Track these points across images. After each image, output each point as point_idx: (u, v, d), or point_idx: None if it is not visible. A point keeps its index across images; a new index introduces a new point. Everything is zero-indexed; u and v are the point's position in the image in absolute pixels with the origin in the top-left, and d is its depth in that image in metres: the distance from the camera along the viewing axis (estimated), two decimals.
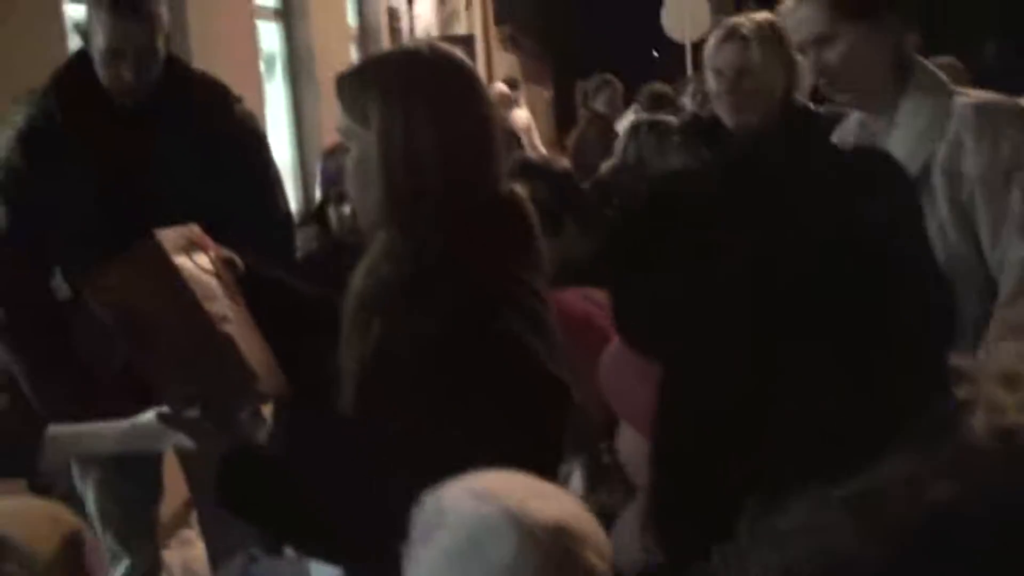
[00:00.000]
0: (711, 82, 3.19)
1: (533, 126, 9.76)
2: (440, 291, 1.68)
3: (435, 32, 12.94)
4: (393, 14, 10.57)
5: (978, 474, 0.89)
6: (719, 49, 3.14)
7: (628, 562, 1.21)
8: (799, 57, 3.10)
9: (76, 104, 2.98)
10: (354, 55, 9.45)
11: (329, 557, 1.84)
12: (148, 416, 1.95)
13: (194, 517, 4.02)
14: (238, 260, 2.02)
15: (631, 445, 1.15)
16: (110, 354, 2.70)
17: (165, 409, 1.88)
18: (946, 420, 0.94)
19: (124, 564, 3.29)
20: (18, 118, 3.01)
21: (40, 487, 3.42)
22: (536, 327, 1.71)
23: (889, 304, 0.99)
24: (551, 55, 24.73)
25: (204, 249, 1.96)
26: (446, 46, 1.84)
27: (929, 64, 2.45)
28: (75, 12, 4.29)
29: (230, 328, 1.88)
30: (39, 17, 4.24)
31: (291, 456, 1.88)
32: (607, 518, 1.30)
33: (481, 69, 13.60)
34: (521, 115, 9.30)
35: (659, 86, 8.82)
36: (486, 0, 16.98)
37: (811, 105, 3.21)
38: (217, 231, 2.03)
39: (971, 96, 2.38)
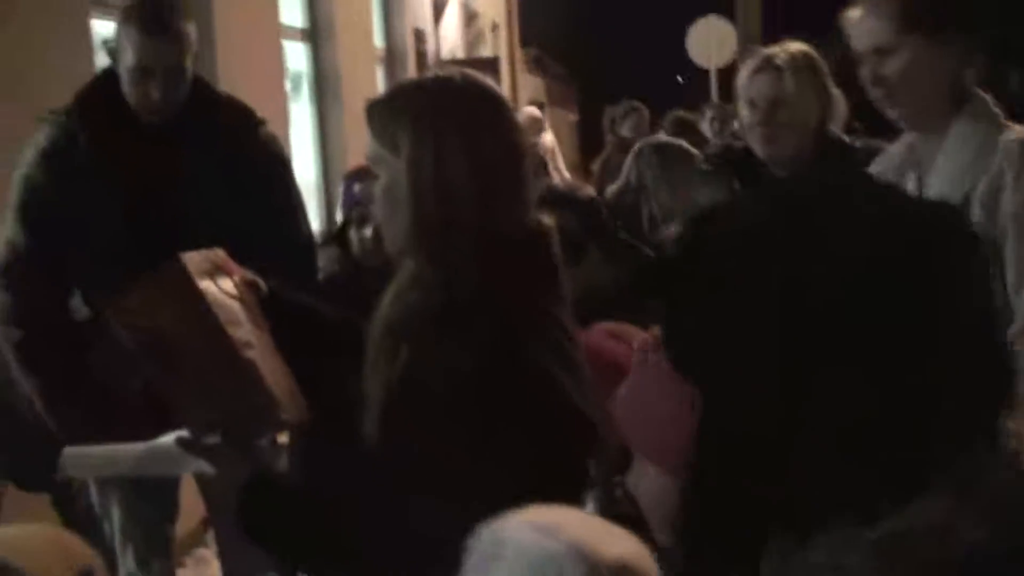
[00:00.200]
0: (744, 113, 3.14)
1: (558, 150, 9.76)
2: (474, 324, 1.67)
3: (460, 54, 12.99)
4: (419, 36, 10.61)
5: (1014, 522, 0.86)
6: (752, 79, 3.09)
7: None
8: (834, 89, 3.08)
9: (100, 123, 2.97)
10: (380, 76, 9.49)
11: None
12: (168, 440, 1.93)
13: (210, 535, 4.01)
14: (261, 283, 2.01)
15: (650, 483, 1.14)
16: (129, 376, 2.70)
17: (185, 434, 1.86)
18: (984, 463, 0.91)
19: None
20: (41, 137, 3.00)
21: (64, 500, 3.42)
22: (564, 361, 1.71)
23: (926, 335, 0.97)
24: (576, 78, 24.79)
25: (229, 273, 1.95)
26: (477, 75, 1.84)
27: (987, 96, 2.41)
28: (103, 29, 4.32)
29: (253, 354, 1.87)
30: (66, 34, 4.26)
31: (312, 483, 1.87)
32: None
33: (506, 92, 13.65)
34: (547, 138, 9.31)
35: (683, 113, 8.83)
36: (512, 23, 17.05)
37: (846, 138, 3.16)
38: (239, 253, 2.02)
39: (1017, 131, 2.34)
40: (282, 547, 1.83)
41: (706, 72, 14.51)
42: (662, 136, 5.34)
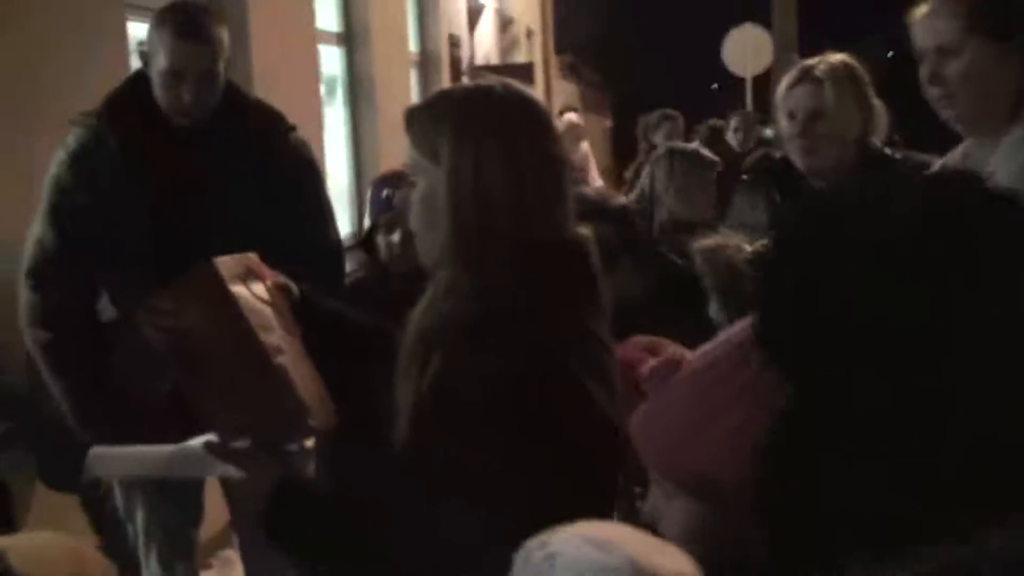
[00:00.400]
0: (783, 124, 3.10)
1: (592, 157, 9.74)
2: (509, 332, 1.66)
3: (495, 60, 13.00)
4: (454, 41, 10.62)
5: None
6: (791, 91, 3.05)
7: None
8: (875, 101, 3.03)
9: (130, 126, 2.98)
10: (414, 81, 9.50)
11: None
12: (195, 443, 1.93)
13: (236, 538, 4.02)
14: (293, 287, 2.00)
15: (674, 509, 1.13)
16: (154, 378, 2.70)
17: (213, 438, 1.86)
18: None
19: None
20: (71, 139, 3.01)
21: (92, 501, 3.44)
22: (598, 373, 1.71)
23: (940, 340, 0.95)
24: (611, 85, 24.77)
25: (261, 278, 1.95)
26: (519, 85, 1.83)
27: None
28: (139, 32, 4.34)
29: (284, 360, 1.86)
30: (102, 37, 4.28)
31: (339, 489, 1.86)
32: None
33: (540, 97, 13.64)
34: (583, 146, 9.30)
35: (719, 121, 8.79)
36: (547, 29, 17.05)
37: (888, 150, 3.12)
38: (266, 257, 2.02)
39: None
40: (308, 553, 1.82)
41: (742, 80, 14.46)
42: (679, 142, 5.30)
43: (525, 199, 1.72)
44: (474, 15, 11.86)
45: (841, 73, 3.00)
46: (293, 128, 3.20)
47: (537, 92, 12.79)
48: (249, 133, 3.06)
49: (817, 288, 0.99)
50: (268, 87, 5.37)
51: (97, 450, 2.09)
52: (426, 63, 10.00)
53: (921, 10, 2.39)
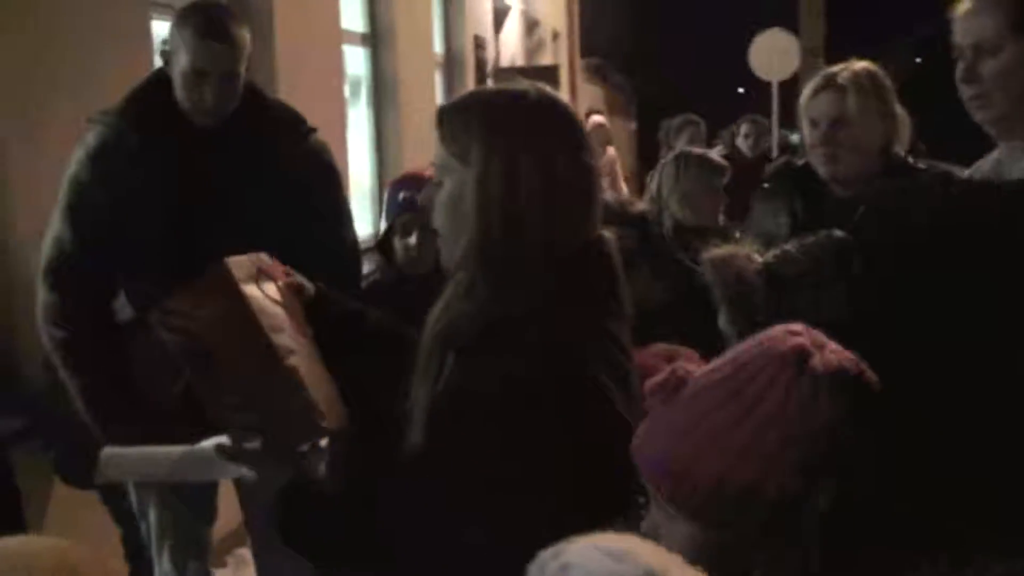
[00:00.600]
0: (806, 132, 3.09)
1: (618, 162, 9.69)
2: (528, 335, 1.66)
3: (520, 62, 12.99)
4: (479, 43, 10.61)
5: None
6: (814, 98, 3.03)
7: None
8: (898, 109, 3.00)
9: (150, 125, 2.98)
10: (438, 83, 9.51)
11: None
12: (207, 445, 1.93)
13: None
14: (308, 285, 1.99)
15: (674, 531, 1.12)
16: (168, 379, 2.70)
17: (225, 440, 1.86)
18: None
19: None
20: (90, 137, 3.01)
21: (112, 497, 3.44)
22: (616, 377, 1.70)
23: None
24: (637, 88, 24.72)
25: (273, 278, 1.94)
26: (551, 90, 1.82)
27: None
28: (163, 30, 4.35)
29: (296, 360, 1.86)
30: (126, 34, 4.29)
31: (351, 490, 1.86)
32: None
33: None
34: (610, 150, 9.26)
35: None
36: (573, 31, 17.03)
37: (911, 159, 3.09)
38: (283, 258, 2.02)
39: None
40: (320, 553, 1.82)
41: (768, 85, 14.39)
42: (688, 147, 5.27)
43: (552, 206, 1.72)
44: (500, 17, 11.85)
45: (864, 81, 2.98)
46: (313, 130, 3.19)
47: (562, 95, 12.76)
48: (268, 134, 3.06)
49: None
50: (292, 87, 5.39)
51: (108, 451, 2.09)
52: (451, 64, 10.00)
53: (964, 5, 2.34)
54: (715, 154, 4.69)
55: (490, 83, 8.98)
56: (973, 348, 1.08)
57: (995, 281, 1.07)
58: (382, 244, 3.25)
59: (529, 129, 1.73)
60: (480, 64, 10.48)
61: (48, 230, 3.06)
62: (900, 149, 3.13)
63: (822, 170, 3.02)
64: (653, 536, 1.19)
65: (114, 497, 3.44)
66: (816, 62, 12.29)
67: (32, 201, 3.58)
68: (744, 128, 8.30)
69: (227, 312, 1.84)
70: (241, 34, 2.97)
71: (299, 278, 2.04)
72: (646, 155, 16.86)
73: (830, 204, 3.00)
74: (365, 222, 6.50)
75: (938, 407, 1.29)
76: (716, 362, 1.36)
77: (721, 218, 4.26)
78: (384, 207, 3.26)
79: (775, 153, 9.68)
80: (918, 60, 24.90)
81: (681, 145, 7.70)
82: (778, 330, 1.35)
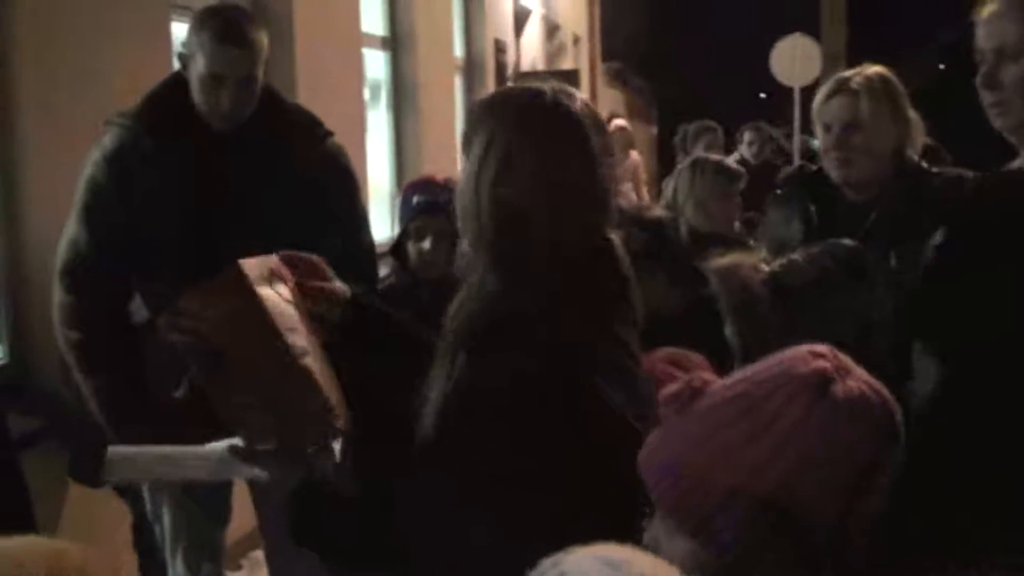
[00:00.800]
0: (819, 136, 3.09)
1: (642, 167, 9.61)
2: (534, 334, 1.67)
3: (541, 66, 12.97)
4: (500, 47, 10.61)
5: None
6: (827, 103, 3.03)
7: None
8: (911, 113, 2.98)
9: (166, 128, 2.98)
10: (458, 87, 9.51)
11: None
12: (219, 446, 1.93)
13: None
14: (344, 287, 1.97)
15: (674, 547, 1.11)
16: (178, 380, 2.70)
17: (237, 441, 1.86)
18: None
19: None
20: (107, 139, 3.02)
21: (131, 494, 3.45)
22: (623, 382, 1.69)
23: None
24: (658, 93, 24.69)
25: (285, 279, 1.94)
26: (571, 93, 1.81)
27: None
28: (183, 32, 4.35)
29: (309, 361, 1.86)
30: (146, 36, 4.30)
31: (367, 491, 1.86)
32: None
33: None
34: (633, 155, 9.21)
35: (767, 130, 8.71)
36: (594, 36, 17.02)
37: (924, 163, 3.08)
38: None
39: None
40: (332, 553, 1.83)
41: (790, 90, 14.36)
42: (704, 153, 5.25)
43: (558, 206, 1.72)
44: (520, 21, 11.85)
45: (876, 85, 2.98)
46: (330, 133, 3.19)
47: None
48: (285, 138, 3.06)
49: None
50: (312, 90, 5.39)
51: (115, 450, 2.08)
52: (471, 68, 10.00)
53: (988, 7, 2.30)
54: (732, 161, 4.66)
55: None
56: None
57: None
58: (396, 248, 3.25)
59: (533, 130, 1.74)
60: (500, 68, 10.48)
61: (64, 231, 3.07)
62: (913, 153, 3.12)
63: (835, 174, 3.02)
64: (654, 549, 1.18)
65: (136, 496, 3.45)
66: (838, 68, 12.25)
67: (49, 202, 3.59)
68: (747, 136, 8.24)
69: (240, 312, 1.84)
70: (259, 38, 2.97)
71: (333, 276, 2.01)
72: (667, 159, 16.84)
73: (843, 209, 3.00)
74: (384, 226, 6.50)
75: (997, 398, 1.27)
76: (734, 376, 1.35)
77: (736, 225, 4.23)
78: (398, 211, 3.26)
79: (797, 159, 9.64)
80: (941, 67, 24.80)
81: (699, 152, 7.70)
82: (801, 350, 1.32)
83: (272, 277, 1.92)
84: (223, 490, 3.26)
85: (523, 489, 1.59)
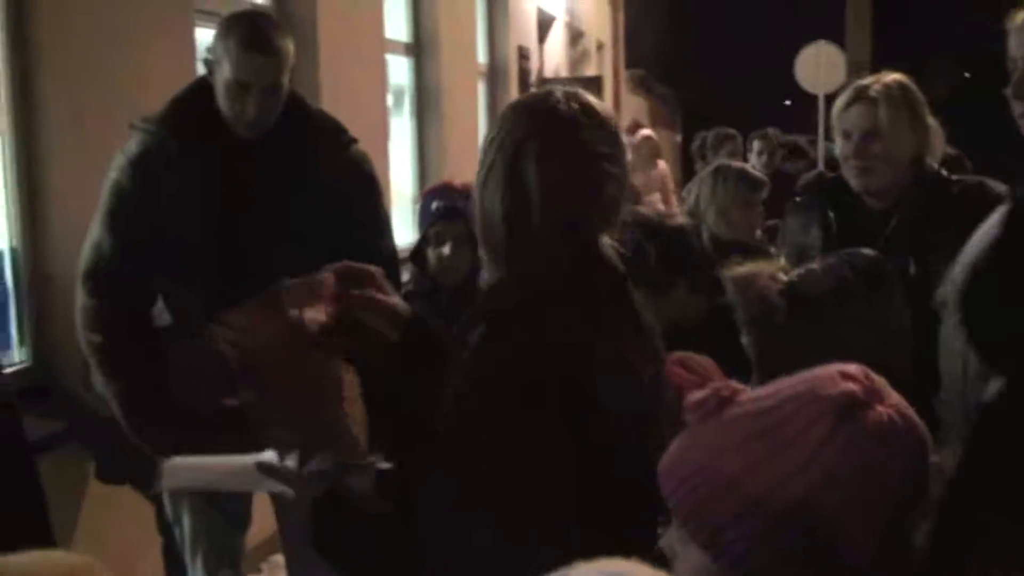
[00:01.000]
0: (839, 144, 3.08)
1: (669, 174, 9.52)
2: (516, 332, 1.69)
3: (564, 72, 12.97)
4: (523, 53, 10.61)
5: None
6: (846, 111, 3.02)
7: None
8: (930, 121, 2.97)
9: (191, 133, 2.99)
10: (482, 93, 9.51)
11: None
12: (247, 459, 1.94)
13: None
14: (404, 306, 1.96)
15: (688, 558, 1.10)
16: (207, 386, 2.70)
17: (265, 457, 1.88)
18: None
19: None
20: (132, 144, 3.03)
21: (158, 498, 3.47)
22: (623, 382, 1.71)
23: None
24: (681, 100, 24.66)
25: (327, 302, 1.95)
26: (585, 98, 1.82)
27: None
28: (208, 38, 4.37)
29: (344, 388, 1.91)
30: (171, 42, 4.32)
31: (393, 509, 1.86)
32: None
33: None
34: (661, 164, 9.15)
35: (790, 137, 8.64)
36: (618, 43, 17.01)
37: (944, 172, 3.06)
38: (322, 268, 2.02)
39: None
40: (353, 565, 1.83)
41: (815, 97, 14.33)
42: (726, 160, 5.21)
43: (549, 207, 1.74)
44: (544, 27, 11.85)
45: (895, 93, 2.96)
46: (354, 140, 3.19)
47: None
48: (309, 144, 3.06)
49: None
50: (336, 96, 5.40)
51: (171, 463, 2.12)
52: (494, 75, 10.00)
53: (1021, 16, 2.27)
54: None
55: None
56: None
57: None
58: (415, 254, 3.24)
59: (539, 134, 1.76)
60: (524, 74, 10.48)
61: (88, 235, 3.08)
62: (932, 161, 3.10)
63: (854, 182, 3.01)
64: (670, 555, 1.17)
65: (158, 495, 3.46)
66: (862, 75, 12.19)
67: (72, 206, 3.61)
68: (756, 145, 8.10)
69: (281, 333, 1.88)
70: (285, 45, 2.97)
71: (393, 292, 2.00)
72: (690, 167, 16.81)
73: (863, 216, 2.99)
74: (407, 232, 6.51)
75: None
76: (762, 389, 1.33)
77: (758, 233, 4.21)
78: (418, 217, 3.26)
79: (821, 165, 9.56)
80: (967, 75, 24.65)
81: (721, 159, 7.64)
82: (831, 370, 1.29)
83: (316, 298, 1.93)
84: (243, 495, 3.27)
85: (522, 491, 1.59)
